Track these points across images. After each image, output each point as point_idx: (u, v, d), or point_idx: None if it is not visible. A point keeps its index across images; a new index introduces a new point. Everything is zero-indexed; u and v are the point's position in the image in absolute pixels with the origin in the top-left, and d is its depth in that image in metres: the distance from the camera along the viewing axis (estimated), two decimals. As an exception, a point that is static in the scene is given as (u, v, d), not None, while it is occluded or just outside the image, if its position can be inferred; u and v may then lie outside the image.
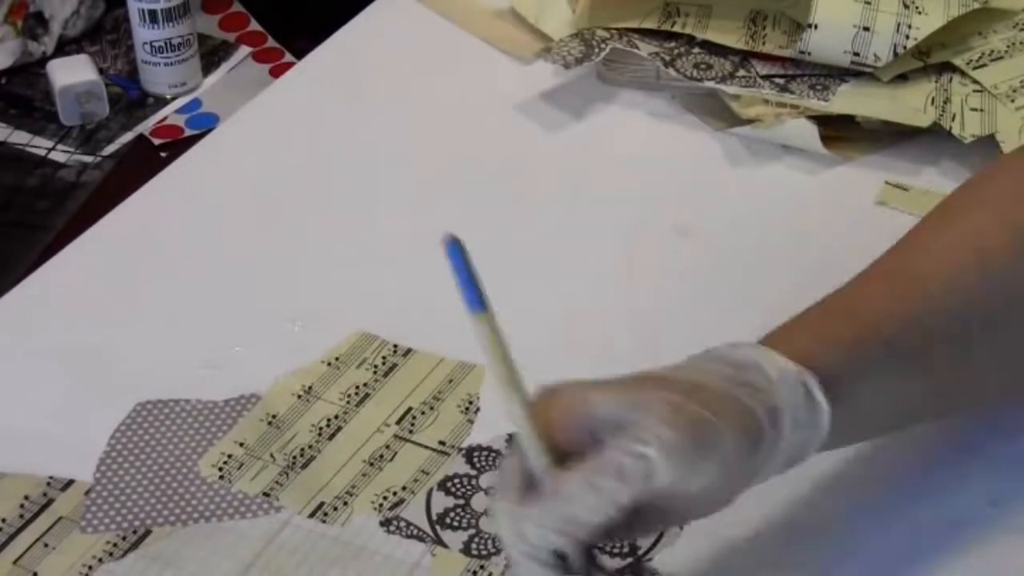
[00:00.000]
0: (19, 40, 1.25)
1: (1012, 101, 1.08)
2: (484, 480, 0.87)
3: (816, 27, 1.10)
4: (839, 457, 0.84)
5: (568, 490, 0.69)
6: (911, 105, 1.09)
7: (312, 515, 0.86)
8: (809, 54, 1.11)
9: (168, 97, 1.23)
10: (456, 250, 0.70)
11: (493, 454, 0.88)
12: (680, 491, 0.70)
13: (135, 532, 0.85)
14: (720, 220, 1.04)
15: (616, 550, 0.83)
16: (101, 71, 1.23)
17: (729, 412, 0.71)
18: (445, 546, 0.84)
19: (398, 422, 0.91)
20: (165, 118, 1.21)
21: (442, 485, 0.87)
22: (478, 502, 0.86)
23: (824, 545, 0.83)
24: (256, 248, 1.04)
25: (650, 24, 1.17)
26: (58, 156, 1.18)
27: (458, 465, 0.88)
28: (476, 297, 0.69)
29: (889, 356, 0.77)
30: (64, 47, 1.27)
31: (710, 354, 0.75)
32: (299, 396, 0.92)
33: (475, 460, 0.88)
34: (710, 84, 1.12)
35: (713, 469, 0.70)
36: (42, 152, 1.19)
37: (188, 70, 1.23)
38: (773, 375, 0.73)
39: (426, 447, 0.89)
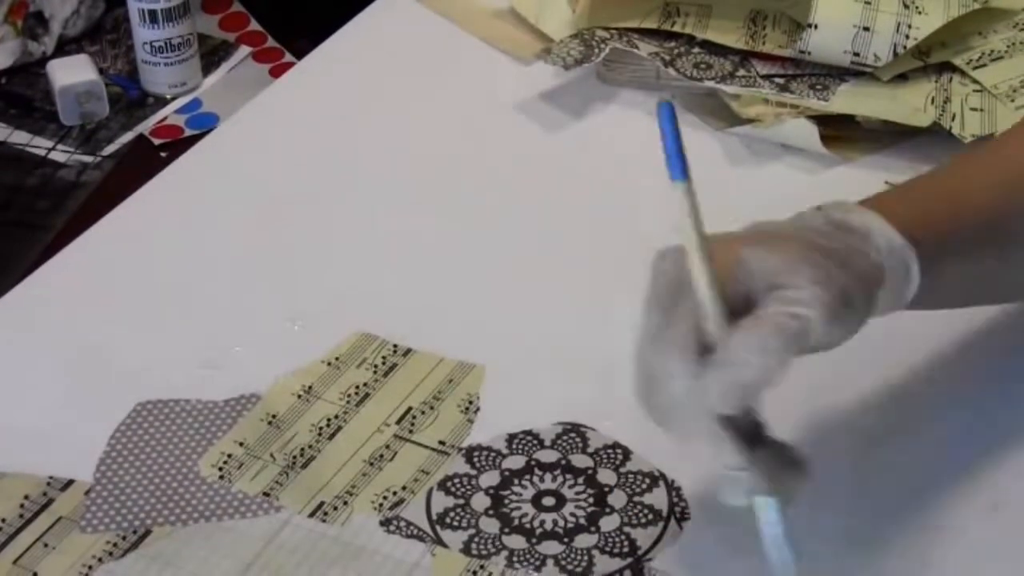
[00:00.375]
0: (19, 40, 1.25)
1: (1012, 101, 1.08)
2: (484, 480, 0.87)
3: (816, 27, 1.10)
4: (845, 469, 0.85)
5: (742, 355, 0.71)
6: (911, 105, 1.09)
7: (312, 515, 0.86)
8: (809, 54, 1.11)
9: (168, 97, 1.23)
10: (669, 114, 0.71)
11: (493, 454, 0.88)
12: (817, 348, 0.74)
13: (135, 532, 0.85)
14: (720, 220, 1.04)
15: (616, 550, 0.83)
16: (101, 71, 1.23)
17: (861, 274, 0.75)
18: (445, 546, 0.84)
19: (398, 422, 0.91)
20: (165, 118, 1.21)
21: (442, 485, 0.87)
22: (478, 502, 0.86)
23: (824, 545, 0.83)
24: (256, 248, 1.04)
25: (650, 24, 1.17)
26: (58, 156, 1.18)
27: (458, 465, 0.88)
28: (681, 164, 0.71)
29: (979, 240, 0.81)
30: (64, 47, 1.27)
31: (824, 214, 0.78)
32: (299, 396, 0.92)
33: (475, 460, 0.88)
34: (710, 84, 1.12)
35: (852, 327, 0.75)
36: (42, 152, 1.19)
37: (188, 70, 1.23)
38: (882, 245, 0.77)
39: (426, 447, 0.89)
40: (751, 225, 0.78)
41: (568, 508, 0.85)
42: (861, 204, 0.79)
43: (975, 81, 1.10)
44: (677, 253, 0.74)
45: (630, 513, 0.85)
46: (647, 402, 0.75)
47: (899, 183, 0.86)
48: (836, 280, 0.73)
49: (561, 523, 0.85)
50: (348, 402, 0.92)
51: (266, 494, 0.87)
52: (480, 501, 0.86)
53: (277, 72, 1.24)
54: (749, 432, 0.73)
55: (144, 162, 1.16)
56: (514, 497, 0.86)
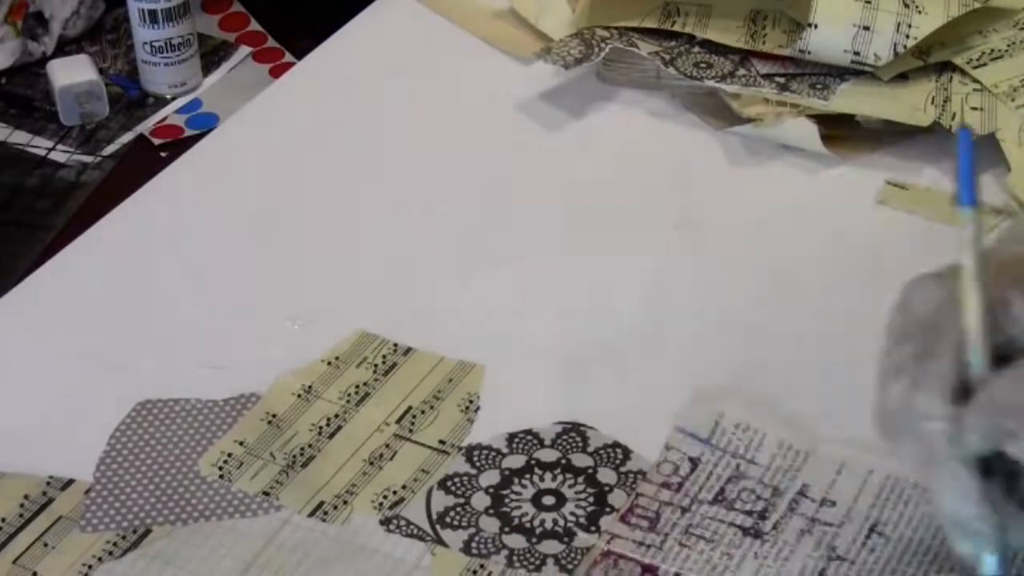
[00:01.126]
0: (19, 40, 1.25)
1: (1012, 100, 1.08)
2: (484, 479, 0.87)
3: (816, 26, 1.10)
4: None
5: (1006, 398, 0.68)
6: (911, 104, 1.08)
7: (312, 514, 0.86)
8: (809, 53, 1.11)
9: (168, 97, 1.23)
10: (968, 142, 0.70)
11: (493, 453, 0.88)
12: None
13: (135, 531, 0.85)
14: (720, 219, 1.04)
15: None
16: (101, 71, 1.23)
17: None
18: (445, 545, 0.84)
19: (398, 421, 0.91)
20: (165, 118, 1.21)
21: (442, 484, 0.87)
22: (478, 501, 0.86)
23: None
24: (256, 248, 1.04)
25: (650, 23, 1.17)
26: (58, 156, 1.18)
27: (458, 464, 0.88)
28: (972, 192, 0.70)
29: None
30: (64, 47, 1.27)
31: None
32: (299, 395, 0.92)
33: (475, 459, 0.88)
34: (710, 83, 1.12)
35: None
36: (42, 152, 1.19)
37: (188, 70, 1.23)
38: None
39: (426, 446, 0.89)
40: (1012, 239, 0.74)
41: (568, 507, 0.85)
42: None
43: (975, 80, 1.10)
44: (937, 283, 0.72)
45: (630, 512, 0.85)
46: (893, 439, 0.71)
47: None
48: None
49: (561, 522, 0.84)
50: (348, 401, 0.92)
51: (266, 493, 0.87)
52: (480, 500, 0.86)
53: (277, 72, 1.24)
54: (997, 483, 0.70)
55: (144, 162, 1.16)
56: (514, 496, 0.86)
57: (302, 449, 0.89)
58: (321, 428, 0.90)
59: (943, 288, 0.71)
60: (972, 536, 0.70)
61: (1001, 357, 0.70)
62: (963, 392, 0.69)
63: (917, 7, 1.10)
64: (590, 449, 0.88)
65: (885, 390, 0.71)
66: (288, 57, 1.27)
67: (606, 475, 0.87)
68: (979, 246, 0.71)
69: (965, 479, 0.69)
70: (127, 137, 1.20)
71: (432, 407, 0.91)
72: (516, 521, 0.85)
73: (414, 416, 0.91)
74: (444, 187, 1.08)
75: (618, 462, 0.87)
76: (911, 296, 0.73)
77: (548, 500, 0.86)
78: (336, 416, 0.91)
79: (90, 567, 0.83)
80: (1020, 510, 0.69)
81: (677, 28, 1.16)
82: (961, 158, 0.71)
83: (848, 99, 1.10)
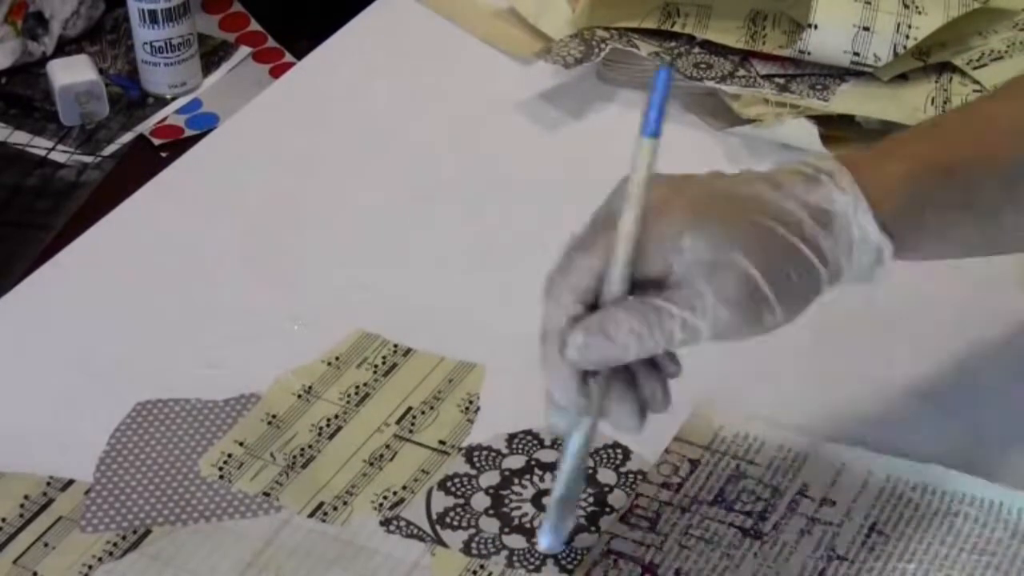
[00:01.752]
0: (19, 40, 1.25)
1: (1012, 101, 1.08)
2: (484, 479, 0.87)
3: (816, 27, 1.10)
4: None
5: (611, 329, 0.74)
6: (911, 105, 1.09)
7: (312, 515, 0.86)
8: (809, 54, 1.11)
9: (168, 97, 1.23)
10: (666, 81, 0.74)
11: (493, 453, 0.88)
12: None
13: (135, 532, 0.85)
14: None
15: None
16: (101, 71, 1.23)
17: (801, 277, 0.75)
18: (445, 545, 0.84)
19: (398, 422, 0.91)
20: (165, 118, 1.21)
21: (442, 485, 0.87)
22: (478, 501, 0.86)
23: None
24: (256, 248, 1.04)
25: (650, 24, 1.17)
26: (58, 156, 1.18)
27: (458, 465, 0.88)
28: (657, 124, 0.74)
29: (959, 194, 0.80)
30: (64, 47, 1.27)
31: (804, 189, 0.77)
32: (299, 396, 0.92)
33: (475, 460, 0.88)
34: (710, 84, 1.12)
35: (758, 333, 0.76)
36: (42, 152, 1.19)
37: (188, 70, 1.23)
38: (855, 236, 0.76)
39: (426, 447, 0.89)
40: (712, 178, 0.79)
41: (568, 508, 0.85)
42: (857, 165, 0.78)
43: (975, 81, 1.10)
44: (618, 199, 0.75)
45: (630, 513, 0.85)
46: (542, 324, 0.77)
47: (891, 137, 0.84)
48: (750, 297, 0.74)
49: (561, 523, 0.84)
50: (348, 402, 0.92)
51: (266, 494, 0.87)
52: (480, 501, 0.86)
53: (277, 72, 1.24)
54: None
55: (144, 162, 1.16)
56: (514, 497, 0.86)
57: (302, 449, 0.89)
58: (321, 429, 0.90)
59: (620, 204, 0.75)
60: (563, 417, 0.78)
61: (640, 284, 0.75)
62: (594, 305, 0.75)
63: (917, 8, 1.10)
64: (590, 449, 0.88)
65: (547, 280, 0.78)
66: (288, 57, 1.27)
67: (606, 475, 0.87)
68: (650, 173, 0.74)
69: (566, 377, 0.76)
70: (127, 137, 1.20)
71: (432, 408, 0.91)
72: (516, 521, 0.85)
73: (414, 417, 0.91)
74: (444, 187, 1.08)
75: (618, 462, 0.87)
76: (614, 191, 0.77)
77: (548, 501, 0.86)
78: (336, 417, 0.91)
79: (90, 567, 0.83)
80: (617, 405, 0.77)
81: (677, 29, 1.16)
82: (656, 92, 0.74)
83: (848, 100, 1.10)
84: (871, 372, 0.92)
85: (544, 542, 0.79)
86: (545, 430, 0.89)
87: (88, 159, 1.18)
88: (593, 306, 0.76)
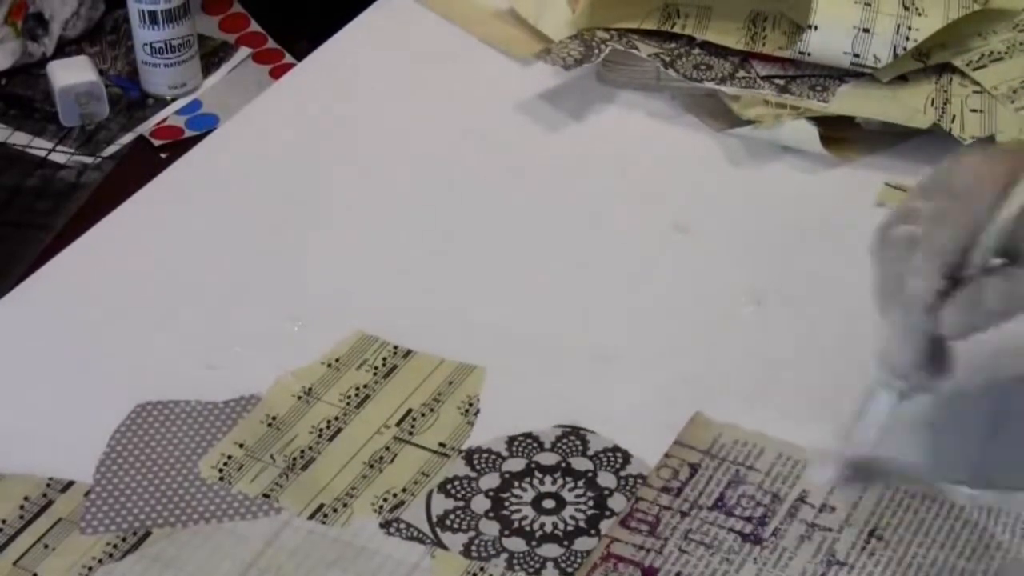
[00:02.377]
0: (19, 41, 1.25)
1: (1012, 102, 1.08)
2: (484, 482, 0.87)
3: (816, 28, 1.10)
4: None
5: (991, 304, 0.75)
6: (911, 106, 1.09)
7: (312, 516, 0.86)
8: (809, 55, 1.11)
9: (168, 98, 1.23)
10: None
11: (493, 456, 0.88)
12: None
13: (135, 533, 0.85)
14: (720, 220, 1.05)
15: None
16: (101, 72, 1.23)
17: None
18: (445, 548, 0.84)
19: (398, 424, 0.91)
20: (165, 119, 1.21)
21: (442, 487, 0.87)
22: (478, 504, 0.86)
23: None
24: (256, 248, 1.04)
25: (650, 25, 1.17)
26: (58, 157, 1.18)
27: (458, 467, 0.88)
28: None
29: None
30: (64, 48, 1.27)
31: None
32: (299, 397, 0.92)
33: (475, 462, 0.88)
34: (710, 85, 1.12)
35: None
36: (42, 153, 1.19)
37: (188, 71, 1.23)
38: None
39: (426, 449, 0.89)
40: None
41: (568, 511, 0.85)
42: None
43: (975, 82, 1.10)
44: (984, 158, 0.76)
45: (630, 515, 0.85)
46: (880, 283, 0.78)
47: None
48: None
49: (561, 526, 0.85)
50: (348, 404, 0.92)
51: (266, 495, 0.87)
52: (480, 503, 0.86)
53: (277, 73, 1.24)
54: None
55: (144, 163, 1.16)
56: (514, 499, 0.86)
57: (302, 451, 0.89)
58: (321, 430, 0.90)
59: (990, 164, 0.75)
60: (891, 378, 0.79)
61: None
62: (956, 273, 0.76)
63: (917, 9, 1.10)
64: (590, 453, 0.88)
65: (896, 234, 0.76)
66: (288, 58, 1.27)
67: (606, 479, 0.87)
68: None
69: (917, 341, 0.77)
70: (127, 138, 1.20)
71: (432, 410, 0.91)
72: (516, 524, 0.85)
73: (414, 419, 0.91)
74: (444, 187, 1.08)
75: (618, 466, 0.87)
76: (955, 162, 0.76)
77: (548, 503, 0.86)
78: (336, 418, 0.91)
79: (90, 569, 0.83)
80: (932, 376, 0.78)
81: (677, 30, 1.16)
82: None
83: (848, 101, 1.10)
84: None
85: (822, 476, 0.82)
86: (546, 433, 0.89)
87: (88, 160, 1.18)
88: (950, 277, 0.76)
